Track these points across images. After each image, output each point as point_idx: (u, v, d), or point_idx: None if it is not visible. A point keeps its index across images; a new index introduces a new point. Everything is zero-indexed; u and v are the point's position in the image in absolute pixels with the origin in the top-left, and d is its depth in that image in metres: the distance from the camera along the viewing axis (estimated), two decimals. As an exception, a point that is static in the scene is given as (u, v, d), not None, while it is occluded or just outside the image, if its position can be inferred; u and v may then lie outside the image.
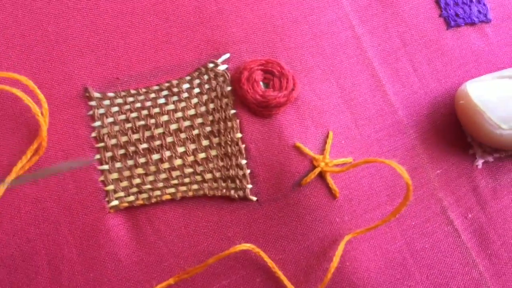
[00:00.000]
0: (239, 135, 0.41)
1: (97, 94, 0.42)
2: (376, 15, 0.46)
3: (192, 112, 0.42)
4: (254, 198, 0.41)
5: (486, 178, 0.44)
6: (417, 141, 0.44)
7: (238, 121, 0.42)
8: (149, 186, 0.41)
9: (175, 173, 0.41)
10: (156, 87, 0.42)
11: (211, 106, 0.42)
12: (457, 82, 0.45)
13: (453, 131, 0.44)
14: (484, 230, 0.43)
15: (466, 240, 0.42)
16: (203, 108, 0.42)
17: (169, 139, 0.41)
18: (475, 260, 0.42)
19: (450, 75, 0.46)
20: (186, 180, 0.41)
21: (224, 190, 0.41)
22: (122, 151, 0.41)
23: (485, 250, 0.42)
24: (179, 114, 0.42)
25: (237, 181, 0.41)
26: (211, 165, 0.41)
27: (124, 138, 0.41)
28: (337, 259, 0.38)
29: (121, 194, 0.41)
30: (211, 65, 0.43)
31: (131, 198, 0.40)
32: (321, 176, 0.41)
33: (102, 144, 0.41)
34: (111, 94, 0.42)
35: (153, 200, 0.40)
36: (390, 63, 0.45)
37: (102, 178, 0.41)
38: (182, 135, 0.41)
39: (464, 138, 0.44)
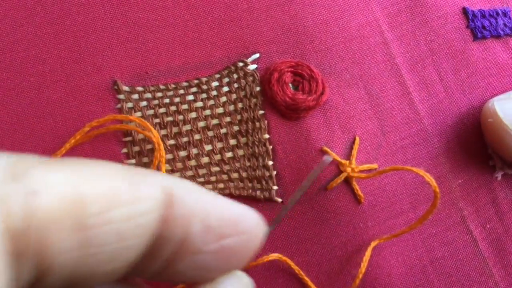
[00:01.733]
0: (266, 136, 0.42)
1: (126, 88, 0.41)
2: (406, 22, 0.46)
3: (220, 110, 0.42)
4: (280, 200, 0.41)
5: (505, 189, 0.45)
6: (441, 150, 0.44)
7: (266, 122, 0.42)
8: (175, 183, 0.41)
9: (201, 171, 0.41)
10: (185, 83, 0.42)
11: (240, 105, 0.42)
12: (480, 93, 0.46)
13: (475, 142, 0.45)
14: (501, 241, 0.43)
15: (484, 250, 0.43)
16: (231, 107, 0.42)
17: (196, 137, 0.41)
18: (491, 270, 0.43)
19: (474, 86, 0.46)
20: (212, 178, 0.41)
21: (250, 191, 0.41)
22: (149, 146, 0.41)
23: (501, 261, 0.43)
24: (208, 112, 0.42)
25: (263, 182, 0.41)
26: (237, 164, 0.41)
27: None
28: (365, 265, 0.39)
29: (147, 189, 0.40)
30: (240, 64, 0.43)
31: (157, 194, 0.40)
32: (347, 181, 0.41)
33: (129, 138, 0.41)
34: (140, 88, 0.42)
35: (179, 197, 0.40)
36: (417, 71, 0.45)
37: (128, 172, 0.40)
38: (210, 133, 0.42)
39: (485, 149, 0.45)
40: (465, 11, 0.47)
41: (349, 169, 0.41)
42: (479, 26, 0.47)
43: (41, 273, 0.17)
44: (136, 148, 0.41)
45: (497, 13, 0.48)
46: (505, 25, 0.48)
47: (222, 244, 0.22)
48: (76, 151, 0.40)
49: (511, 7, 0.49)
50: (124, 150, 0.41)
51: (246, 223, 0.24)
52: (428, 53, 0.46)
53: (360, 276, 0.39)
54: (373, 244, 0.40)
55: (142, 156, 0.41)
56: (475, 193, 0.44)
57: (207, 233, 0.22)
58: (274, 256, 0.39)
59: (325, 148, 0.41)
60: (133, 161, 0.41)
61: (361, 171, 0.41)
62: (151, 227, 0.20)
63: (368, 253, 0.40)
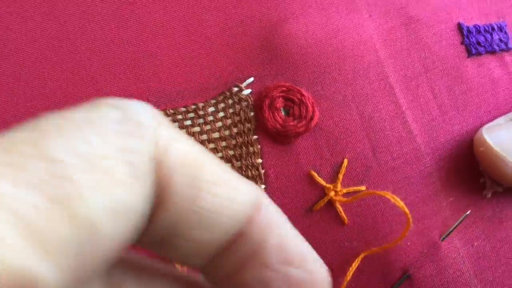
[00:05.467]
0: (259, 160, 0.44)
1: (126, 114, 0.44)
2: (400, 39, 0.47)
3: (216, 135, 0.44)
4: (271, 221, 0.43)
5: (494, 207, 0.46)
6: (433, 168, 0.45)
7: (259, 146, 0.44)
8: (174, 205, 0.43)
9: (198, 194, 0.43)
10: (183, 109, 0.44)
11: (235, 130, 0.44)
12: (475, 110, 0.47)
13: (467, 159, 0.46)
14: (487, 258, 0.45)
15: (470, 267, 0.45)
16: (227, 132, 0.44)
17: (193, 161, 0.44)
18: (477, 287, 0.44)
19: (468, 103, 0.47)
20: (209, 200, 0.43)
21: (244, 212, 0.43)
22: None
23: (487, 278, 0.45)
24: (204, 137, 0.44)
25: (256, 204, 0.43)
26: (232, 187, 0.44)
27: (151, 158, 0.43)
28: (350, 274, 0.41)
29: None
30: (235, 89, 0.44)
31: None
32: (331, 204, 0.43)
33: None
34: (139, 115, 0.44)
35: (177, 219, 0.43)
36: (411, 89, 0.46)
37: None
38: (206, 157, 0.44)
39: (476, 166, 0.46)
40: (460, 27, 0.47)
41: (332, 193, 0.43)
42: (474, 42, 0.47)
43: (157, 204, 0.19)
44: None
45: (493, 28, 0.48)
46: (500, 40, 0.47)
47: (290, 271, 0.22)
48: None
49: (507, 21, 0.49)
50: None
51: (314, 265, 0.23)
52: (422, 71, 0.47)
53: (345, 283, 0.41)
54: (361, 255, 0.42)
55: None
56: (464, 211, 0.45)
57: (279, 252, 0.22)
58: None
59: (312, 172, 0.43)
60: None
61: (347, 194, 0.43)
62: (242, 218, 0.21)
63: (355, 264, 0.42)
